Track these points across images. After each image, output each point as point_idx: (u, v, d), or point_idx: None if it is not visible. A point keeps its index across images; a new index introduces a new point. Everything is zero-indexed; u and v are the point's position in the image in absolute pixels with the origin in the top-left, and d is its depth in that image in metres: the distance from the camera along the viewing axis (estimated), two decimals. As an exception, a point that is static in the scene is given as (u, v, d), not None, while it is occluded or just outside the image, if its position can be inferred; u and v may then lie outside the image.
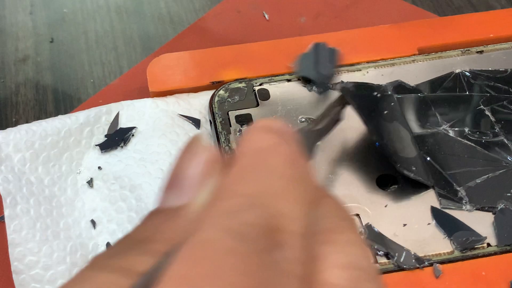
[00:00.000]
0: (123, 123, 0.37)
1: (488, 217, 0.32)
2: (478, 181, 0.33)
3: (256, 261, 0.12)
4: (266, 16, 0.47)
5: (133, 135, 0.37)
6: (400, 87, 0.38)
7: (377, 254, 0.30)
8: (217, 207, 0.13)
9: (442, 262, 0.30)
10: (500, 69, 0.39)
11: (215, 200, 0.13)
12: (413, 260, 0.30)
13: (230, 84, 0.38)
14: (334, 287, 0.13)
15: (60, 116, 0.37)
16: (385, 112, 0.35)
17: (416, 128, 0.35)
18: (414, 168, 0.33)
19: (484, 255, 0.30)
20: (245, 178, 0.14)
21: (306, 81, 0.38)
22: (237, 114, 0.37)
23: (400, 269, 0.30)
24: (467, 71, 0.39)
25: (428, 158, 0.34)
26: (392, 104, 0.36)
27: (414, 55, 0.40)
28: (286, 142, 0.15)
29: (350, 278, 0.14)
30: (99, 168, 0.36)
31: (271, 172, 0.14)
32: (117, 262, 0.13)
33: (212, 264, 0.11)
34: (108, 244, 0.33)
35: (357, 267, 0.14)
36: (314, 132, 0.30)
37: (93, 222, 0.34)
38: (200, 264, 0.11)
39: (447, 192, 0.32)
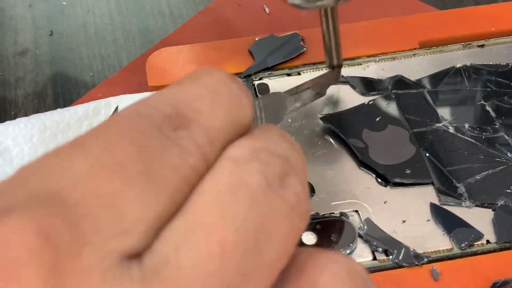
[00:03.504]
0: (122, 118, 0.37)
1: (488, 213, 0.31)
2: (478, 177, 0.33)
3: (154, 133, 0.12)
4: (267, 9, 0.46)
5: (132, 130, 0.37)
6: (400, 82, 0.38)
7: (376, 251, 0.30)
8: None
9: (441, 259, 0.30)
10: (502, 64, 0.38)
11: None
12: (412, 257, 0.30)
13: (229, 78, 0.38)
14: (236, 158, 0.13)
15: (59, 110, 0.37)
16: (377, 119, 0.35)
17: (415, 124, 0.35)
18: (408, 172, 0.33)
19: (483, 252, 0.30)
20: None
21: None
22: (236, 108, 0.36)
23: (399, 266, 0.29)
24: (468, 66, 0.38)
25: (428, 154, 0.34)
26: (388, 104, 0.36)
27: (415, 49, 0.40)
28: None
29: (255, 154, 0.13)
30: (98, 162, 0.35)
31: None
32: None
33: (112, 133, 0.12)
34: None
35: (267, 150, 0.13)
36: (291, 97, 0.32)
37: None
38: (102, 133, 0.12)
39: (447, 189, 0.32)
